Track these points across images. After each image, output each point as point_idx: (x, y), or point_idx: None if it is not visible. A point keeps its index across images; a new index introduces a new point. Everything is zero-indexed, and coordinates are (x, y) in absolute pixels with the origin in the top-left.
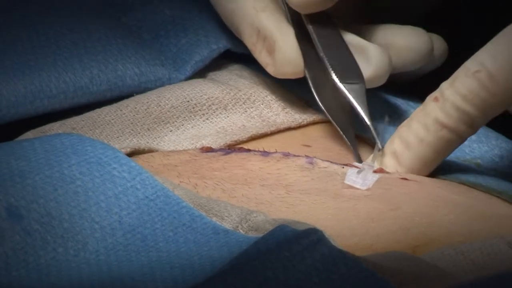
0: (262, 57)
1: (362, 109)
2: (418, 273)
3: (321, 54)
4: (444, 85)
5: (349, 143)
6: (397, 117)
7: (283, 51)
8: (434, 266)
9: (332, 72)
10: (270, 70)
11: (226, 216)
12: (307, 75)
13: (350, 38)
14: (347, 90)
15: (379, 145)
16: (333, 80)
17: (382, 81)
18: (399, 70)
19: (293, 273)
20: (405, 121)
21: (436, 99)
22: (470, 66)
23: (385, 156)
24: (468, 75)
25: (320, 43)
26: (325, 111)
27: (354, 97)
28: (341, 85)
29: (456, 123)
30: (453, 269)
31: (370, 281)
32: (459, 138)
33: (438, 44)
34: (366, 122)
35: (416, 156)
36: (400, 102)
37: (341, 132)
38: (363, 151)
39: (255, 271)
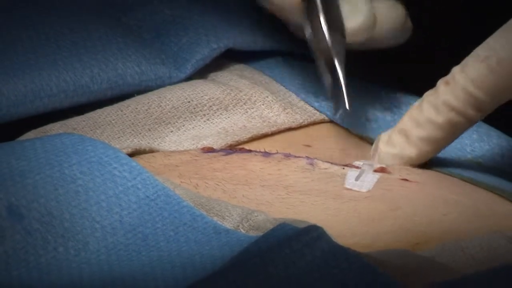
0: None
1: (339, 64)
2: (419, 268)
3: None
4: (455, 69)
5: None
6: (397, 111)
7: None
8: (434, 261)
9: (323, 20)
10: None
11: (227, 216)
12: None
13: None
14: (332, 41)
15: (345, 97)
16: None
17: (364, 37)
18: (374, 42)
19: (294, 270)
20: (416, 103)
21: (447, 82)
22: (481, 52)
23: (394, 134)
24: (478, 60)
25: None
26: (327, 37)
27: (335, 51)
28: (327, 35)
29: (464, 106)
30: (453, 264)
31: (371, 275)
32: (467, 122)
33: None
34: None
35: (425, 135)
36: (400, 98)
37: (335, 57)
38: (363, 151)
39: (256, 268)
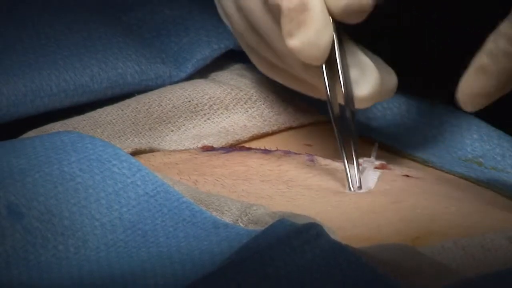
0: (289, 25)
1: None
2: (418, 268)
3: (339, 66)
4: None
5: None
6: (397, 111)
7: (318, 32)
8: (434, 260)
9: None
10: (291, 42)
11: (226, 210)
12: (324, 69)
13: (355, 50)
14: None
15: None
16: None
17: (370, 104)
18: None
19: (294, 267)
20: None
21: None
22: None
23: (470, 74)
24: None
25: (340, 55)
26: (330, 111)
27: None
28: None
29: None
30: (454, 264)
31: (370, 275)
32: None
33: None
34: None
35: (502, 69)
36: (400, 97)
37: (334, 122)
38: (363, 150)
39: (256, 266)
